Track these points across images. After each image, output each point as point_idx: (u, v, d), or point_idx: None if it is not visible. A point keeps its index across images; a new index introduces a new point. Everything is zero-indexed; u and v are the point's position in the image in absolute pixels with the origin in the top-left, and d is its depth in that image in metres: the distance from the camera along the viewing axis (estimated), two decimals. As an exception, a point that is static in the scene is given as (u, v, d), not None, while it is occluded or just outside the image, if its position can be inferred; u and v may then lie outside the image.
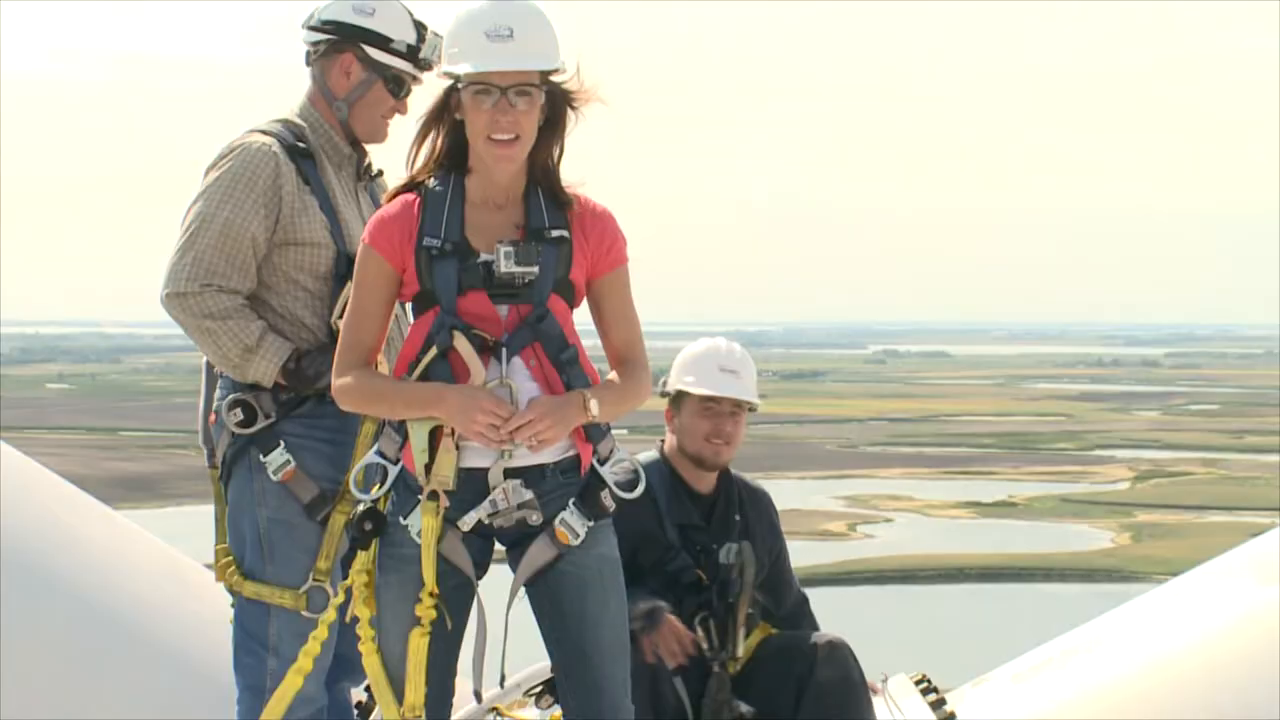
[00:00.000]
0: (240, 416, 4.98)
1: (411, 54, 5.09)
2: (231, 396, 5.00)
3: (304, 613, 4.95)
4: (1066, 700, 5.92)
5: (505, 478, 4.30)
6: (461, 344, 4.28)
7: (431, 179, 4.39)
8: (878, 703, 5.92)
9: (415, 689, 4.32)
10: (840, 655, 5.49)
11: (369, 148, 5.28)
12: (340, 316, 4.97)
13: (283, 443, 4.98)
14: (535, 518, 4.33)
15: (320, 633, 4.64)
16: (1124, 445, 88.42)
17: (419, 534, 4.30)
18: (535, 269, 4.32)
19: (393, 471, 4.37)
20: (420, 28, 5.11)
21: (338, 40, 5.10)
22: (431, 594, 4.29)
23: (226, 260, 4.97)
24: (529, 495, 4.31)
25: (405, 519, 4.34)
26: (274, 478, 4.98)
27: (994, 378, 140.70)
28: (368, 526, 4.38)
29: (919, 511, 66.21)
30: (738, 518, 5.61)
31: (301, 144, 5.08)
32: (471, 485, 4.31)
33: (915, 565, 54.23)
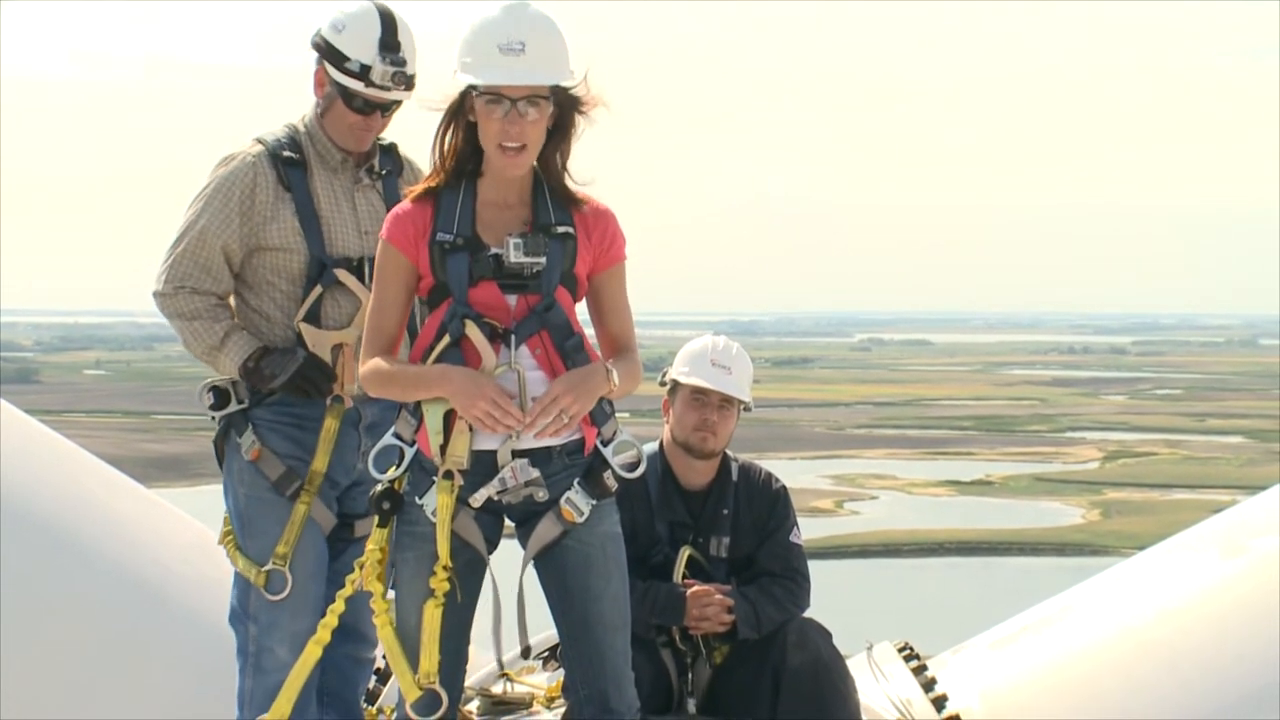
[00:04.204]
0: (212, 400, 5.09)
1: (364, 74, 5.02)
2: (208, 381, 5.10)
3: (264, 593, 5.00)
4: (1041, 666, 5.91)
5: (513, 458, 4.30)
6: (473, 331, 4.27)
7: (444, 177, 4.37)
8: (863, 670, 5.91)
9: (429, 657, 4.31)
10: (809, 639, 5.35)
11: (401, 143, 5.28)
12: (304, 319, 5.05)
13: (252, 425, 5.05)
14: (541, 494, 4.33)
15: (338, 606, 4.63)
16: (1094, 427, 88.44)
17: (434, 513, 4.29)
18: (543, 260, 4.31)
19: (409, 453, 4.36)
20: (388, 49, 5.01)
21: (318, 54, 5.12)
22: (445, 567, 4.28)
23: (200, 266, 5.05)
24: (535, 473, 4.30)
25: (420, 499, 4.33)
26: (245, 457, 5.05)
27: (972, 364, 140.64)
28: (385, 506, 4.37)
29: (902, 490, 66.24)
30: (726, 512, 5.56)
31: (289, 152, 5.09)
32: (482, 465, 4.31)
33: (898, 540, 54.29)
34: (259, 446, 5.04)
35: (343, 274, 5.07)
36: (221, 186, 5.06)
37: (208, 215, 5.04)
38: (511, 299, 4.32)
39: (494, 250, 4.31)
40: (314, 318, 5.07)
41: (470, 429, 4.28)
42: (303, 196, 5.08)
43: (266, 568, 5.00)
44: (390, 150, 5.27)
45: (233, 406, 5.08)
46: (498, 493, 4.31)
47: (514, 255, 4.29)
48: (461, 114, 4.32)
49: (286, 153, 5.09)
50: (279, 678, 4.96)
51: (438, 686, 4.31)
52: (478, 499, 4.31)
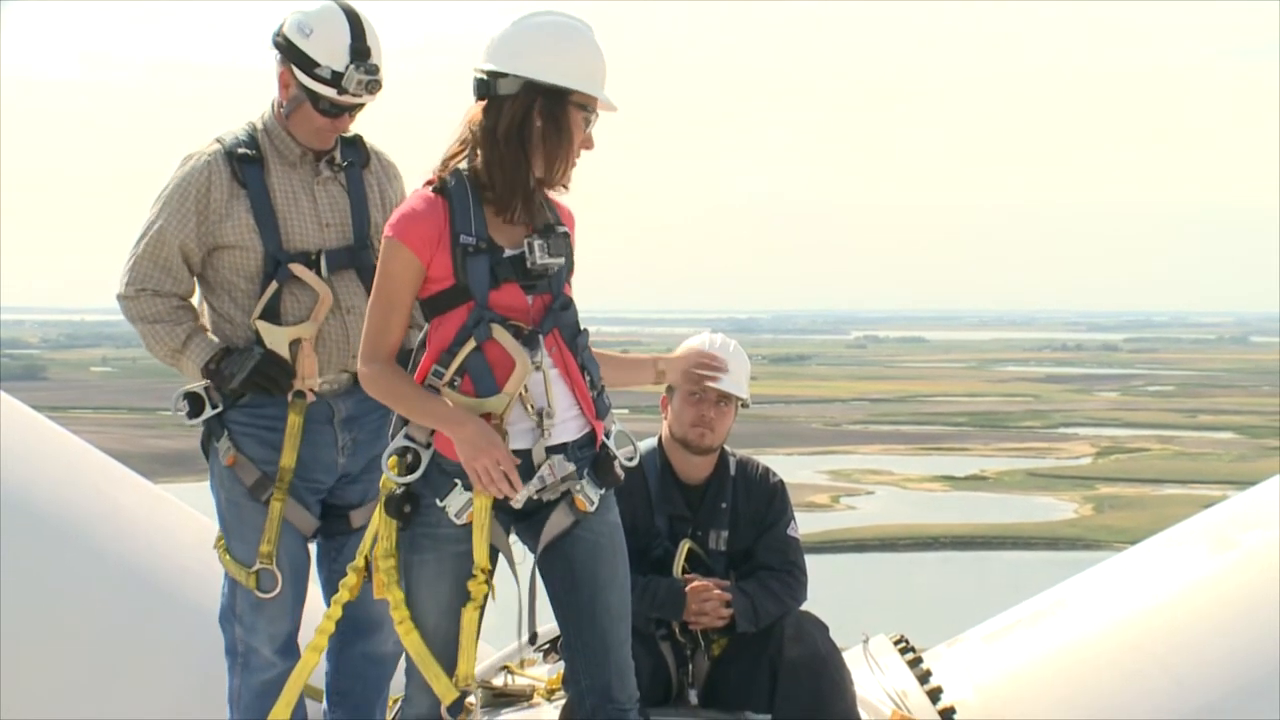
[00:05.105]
0: (187, 407, 5.04)
1: (335, 80, 4.94)
2: (183, 389, 5.06)
3: (256, 592, 4.99)
4: (1034, 659, 5.92)
5: (549, 454, 4.28)
6: (503, 335, 4.24)
7: (449, 179, 4.30)
8: (859, 663, 5.90)
9: (467, 660, 4.29)
10: (806, 632, 5.34)
11: (367, 135, 5.22)
12: (260, 316, 5.00)
13: (227, 430, 5.02)
14: (578, 489, 4.31)
15: (334, 612, 4.60)
16: (1086, 423, 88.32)
17: (457, 514, 4.24)
18: (562, 260, 4.31)
19: (425, 455, 4.29)
20: (360, 56, 4.94)
21: (281, 54, 5.03)
22: (484, 570, 4.25)
23: (160, 268, 5.01)
24: (572, 468, 4.28)
25: (441, 501, 4.26)
26: (222, 462, 5.02)
27: (967, 361, 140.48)
28: (406, 509, 4.29)
29: (897, 485, 66.15)
30: (724, 506, 5.56)
31: (245, 149, 5.02)
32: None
33: (894, 535, 54.24)
34: (234, 453, 5.01)
35: (297, 269, 5.00)
36: (179, 186, 5.00)
37: (165, 215, 4.99)
38: (529, 300, 4.31)
39: (508, 252, 4.29)
40: (274, 315, 5.00)
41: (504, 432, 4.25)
42: (258, 193, 5.00)
43: (255, 568, 4.99)
44: (354, 142, 5.18)
45: (207, 412, 5.04)
46: (536, 491, 4.28)
47: (540, 257, 4.27)
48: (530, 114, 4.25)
49: (242, 150, 5.02)
50: (266, 676, 4.98)
51: (474, 686, 4.32)
52: (518, 500, 4.26)
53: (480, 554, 4.24)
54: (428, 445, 4.29)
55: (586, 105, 4.27)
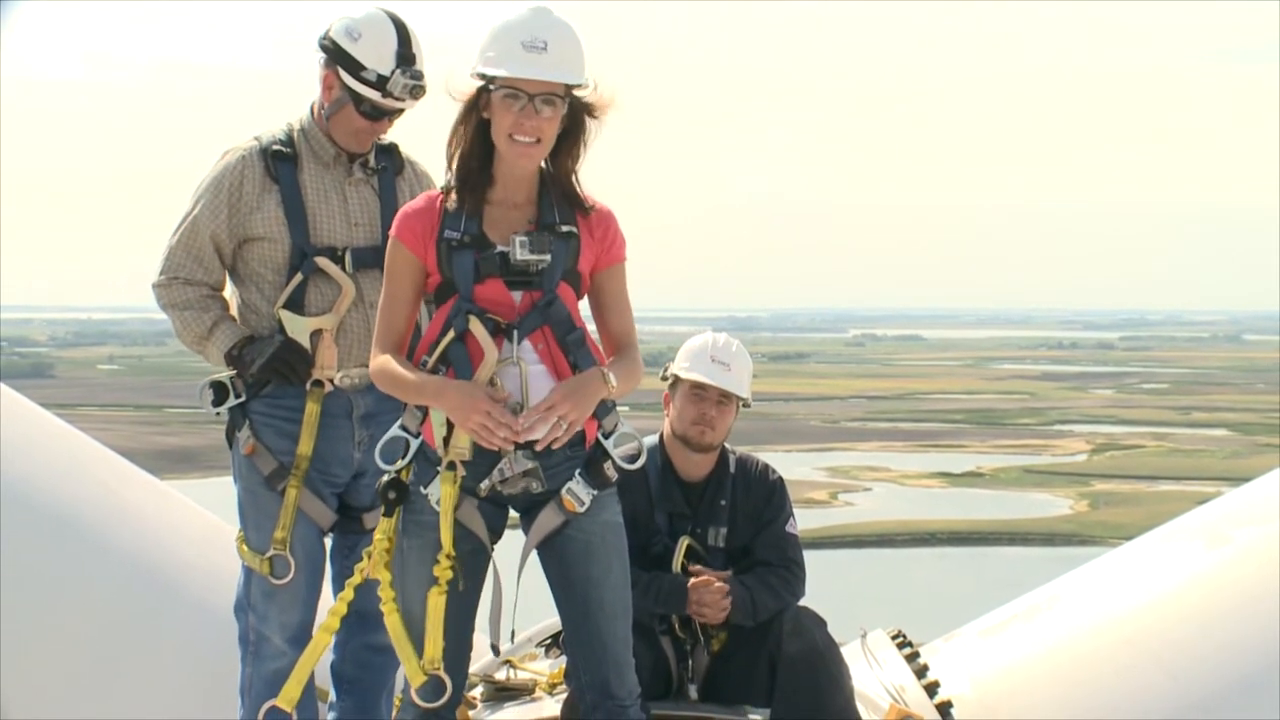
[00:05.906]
0: (212, 395, 5.11)
1: (380, 84, 5.03)
2: (209, 378, 5.13)
3: (270, 579, 5.02)
4: (1029, 653, 5.92)
5: (515, 449, 4.31)
6: (476, 327, 4.29)
7: (454, 178, 4.37)
8: (857, 657, 5.91)
9: (434, 644, 4.32)
10: (804, 627, 5.35)
11: (401, 141, 5.29)
12: (284, 305, 5.07)
13: (248, 420, 5.07)
14: (536, 485, 4.34)
15: (347, 594, 4.63)
16: (1082, 421, 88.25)
17: (438, 502, 4.31)
18: (547, 257, 4.32)
19: (414, 444, 4.38)
20: (405, 62, 5.04)
21: (327, 56, 5.10)
22: (448, 556, 4.30)
23: (192, 256, 5.10)
24: (531, 464, 4.32)
25: (425, 488, 4.35)
26: (241, 452, 5.08)
27: (964, 359, 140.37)
28: (391, 495, 4.39)
29: (895, 481, 66.12)
30: (723, 503, 5.56)
31: (279, 146, 5.11)
32: (487, 457, 4.33)
33: (891, 531, 54.23)
34: (253, 441, 5.07)
35: (323, 262, 5.07)
36: (214, 179, 5.11)
37: (200, 207, 5.10)
38: (517, 295, 4.34)
39: (500, 248, 4.32)
40: (298, 306, 5.08)
41: None
42: (290, 188, 5.09)
43: (269, 554, 5.03)
44: (390, 150, 5.27)
45: (231, 401, 5.10)
46: (499, 482, 4.33)
47: (520, 253, 4.31)
48: (475, 110, 4.32)
49: (277, 147, 5.12)
50: (277, 665, 5.01)
51: (442, 672, 4.33)
52: (482, 489, 4.33)
53: (445, 539, 4.29)
54: (417, 435, 4.37)
55: (509, 87, 4.26)
